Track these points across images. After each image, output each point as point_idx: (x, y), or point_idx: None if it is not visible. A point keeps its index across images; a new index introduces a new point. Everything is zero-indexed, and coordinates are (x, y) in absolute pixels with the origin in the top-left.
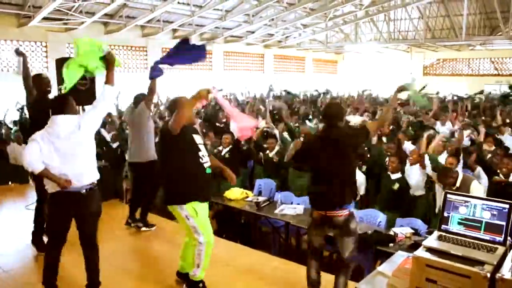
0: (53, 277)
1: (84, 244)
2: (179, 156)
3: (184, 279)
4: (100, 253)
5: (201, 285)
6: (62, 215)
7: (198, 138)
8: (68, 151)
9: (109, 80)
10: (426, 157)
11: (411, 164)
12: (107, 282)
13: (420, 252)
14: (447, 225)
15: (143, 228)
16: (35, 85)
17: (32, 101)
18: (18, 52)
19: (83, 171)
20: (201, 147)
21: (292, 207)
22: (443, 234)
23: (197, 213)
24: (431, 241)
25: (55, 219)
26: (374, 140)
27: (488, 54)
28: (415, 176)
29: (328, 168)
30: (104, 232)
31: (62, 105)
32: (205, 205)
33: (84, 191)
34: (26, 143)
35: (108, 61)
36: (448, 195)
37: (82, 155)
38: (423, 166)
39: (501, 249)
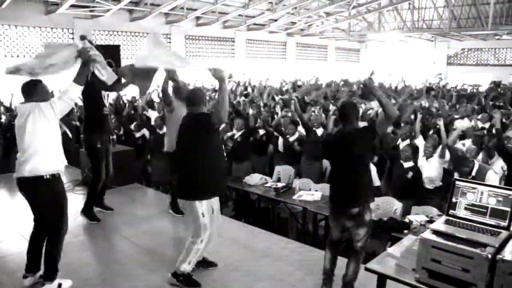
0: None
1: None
2: (215, 149)
3: None
4: (122, 233)
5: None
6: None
7: None
8: (18, 137)
9: (77, 79)
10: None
11: (427, 158)
12: (128, 260)
13: (427, 235)
14: (455, 210)
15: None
16: None
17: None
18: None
19: (27, 159)
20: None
21: (310, 194)
22: (450, 218)
23: (213, 210)
24: (438, 224)
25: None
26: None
27: None
28: (431, 168)
29: (343, 166)
30: (124, 215)
31: (28, 90)
32: (217, 199)
33: (25, 179)
34: None
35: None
36: (457, 182)
37: (31, 145)
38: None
39: (504, 233)
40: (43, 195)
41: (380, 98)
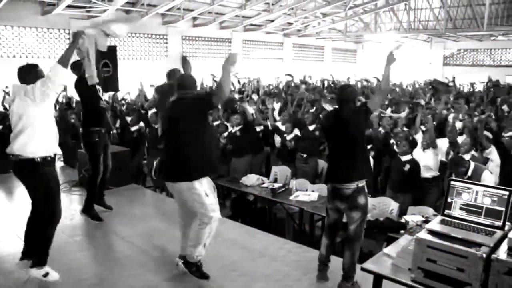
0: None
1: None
2: (209, 128)
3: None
4: (119, 234)
5: (199, 264)
6: None
7: None
8: (11, 115)
9: (61, 60)
10: (442, 142)
11: (423, 149)
12: (125, 261)
13: (422, 234)
14: (450, 210)
15: None
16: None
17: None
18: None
19: (14, 138)
20: None
21: (307, 194)
22: (446, 218)
23: (215, 188)
24: (434, 224)
25: None
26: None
27: (511, 44)
28: (428, 158)
29: (338, 144)
30: (122, 215)
31: (22, 74)
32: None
33: (15, 159)
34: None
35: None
36: (452, 182)
37: (18, 125)
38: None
39: (499, 233)
40: (34, 178)
41: (388, 70)
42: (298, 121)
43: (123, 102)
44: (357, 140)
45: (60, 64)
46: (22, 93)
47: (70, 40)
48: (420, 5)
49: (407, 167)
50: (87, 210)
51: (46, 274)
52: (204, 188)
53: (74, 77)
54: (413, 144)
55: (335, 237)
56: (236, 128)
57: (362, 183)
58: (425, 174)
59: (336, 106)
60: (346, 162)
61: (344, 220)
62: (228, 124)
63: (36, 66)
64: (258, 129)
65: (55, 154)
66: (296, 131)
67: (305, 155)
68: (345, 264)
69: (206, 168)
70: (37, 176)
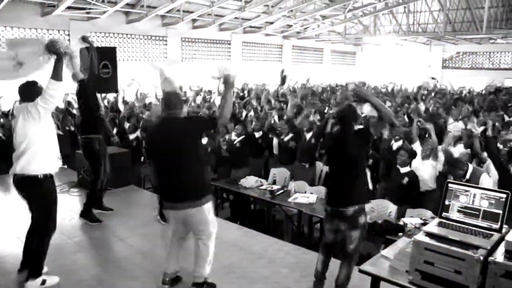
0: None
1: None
2: (202, 149)
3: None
4: (118, 235)
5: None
6: None
7: None
8: (13, 136)
9: (55, 74)
10: (440, 151)
11: (422, 159)
12: (124, 262)
13: (420, 237)
14: (448, 212)
15: None
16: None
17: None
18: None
19: (18, 158)
20: None
21: (306, 196)
22: (443, 221)
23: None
24: (431, 227)
25: None
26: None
27: (510, 47)
28: (427, 170)
29: (338, 166)
30: (121, 217)
31: (23, 92)
32: None
33: (19, 177)
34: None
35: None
36: (450, 185)
37: (21, 145)
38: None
39: (496, 236)
40: (33, 194)
41: (374, 102)
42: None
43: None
44: (357, 163)
45: (54, 79)
46: (25, 112)
47: (52, 53)
48: (419, 8)
49: (405, 179)
50: (86, 214)
51: (43, 282)
52: (209, 207)
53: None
54: (412, 155)
55: (331, 255)
56: (237, 139)
57: (363, 205)
58: (425, 186)
59: (337, 127)
60: (347, 185)
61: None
62: (227, 129)
63: (35, 83)
64: (257, 135)
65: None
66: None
67: (306, 165)
68: (340, 279)
69: (209, 184)
70: (37, 192)
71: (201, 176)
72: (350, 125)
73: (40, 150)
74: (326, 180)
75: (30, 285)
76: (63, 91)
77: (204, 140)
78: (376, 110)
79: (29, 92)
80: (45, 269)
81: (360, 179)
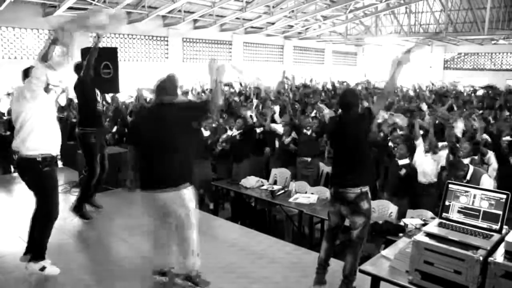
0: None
1: None
2: (196, 133)
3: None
4: (118, 235)
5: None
6: None
7: None
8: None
9: (40, 56)
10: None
11: (426, 152)
12: (123, 262)
13: (420, 237)
14: (448, 213)
15: None
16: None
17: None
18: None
19: (15, 136)
20: None
21: (306, 196)
22: (443, 221)
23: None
24: (431, 227)
25: None
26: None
27: None
28: (427, 163)
29: (342, 149)
30: (120, 217)
31: (25, 75)
32: None
33: (18, 156)
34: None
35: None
36: (450, 185)
37: (17, 123)
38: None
39: (496, 236)
40: (33, 176)
41: (399, 70)
42: (295, 124)
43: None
44: (360, 144)
45: (39, 60)
46: (19, 91)
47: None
48: (420, 8)
49: (403, 171)
50: (78, 209)
51: (43, 268)
52: (191, 195)
53: (74, 78)
54: (411, 149)
55: (335, 241)
56: (236, 132)
57: (365, 188)
58: (422, 178)
59: (339, 111)
60: (350, 167)
61: (346, 223)
62: (227, 127)
63: (31, 67)
64: (258, 130)
65: (56, 155)
66: (294, 134)
67: (308, 159)
68: (346, 268)
69: (191, 174)
70: (36, 174)
71: (186, 164)
72: (351, 108)
73: (35, 129)
74: (332, 161)
75: (30, 267)
76: (44, 73)
77: (206, 133)
78: (390, 78)
79: (25, 73)
80: (48, 261)
81: (362, 161)
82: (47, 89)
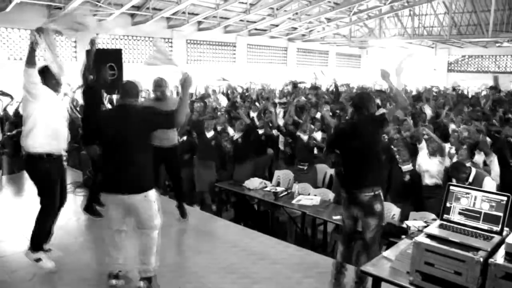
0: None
1: None
2: (151, 141)
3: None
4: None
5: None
6: None
7: None
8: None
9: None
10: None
11: (430, 155)
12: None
13: (421, 238)
14: (449, 214)
15: None
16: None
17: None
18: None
19: (25, 136)
20: None
21: (309, 198)
22: (444, 223)
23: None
24: (432, 228)
25: None
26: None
27: None
28: (432, 164)
29: (354, 151)
30: None
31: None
32: None
33: (26, 155)
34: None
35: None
36: (451, 187)
37: (26, 121)
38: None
39: (497, 238)
40: (33, 173)
41: (392, 87)
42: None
43: None
44: (372, 147)
45: (25, 65)
46: (25, 92)
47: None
48: (424, 11)
49: (407, 177)
50: (89, 209)
51: (38, 260)
52: (154, 196)
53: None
54: (413, 153)
55: (352, 245)
56: (238, 135)
57: (378, 190)
58: (427, 180)
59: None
60: (363, 168)
61: (359, 228)
62: (230, 130)
63: (47, 68)
64: (260, 131)
65: (59, 154)
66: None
67: (306, 166)
68: (359, 271)
69: (153, 176)
70: (35, 171)
71: (149, 165)
72: (363, 110)
73: (36, 127)
74: (342, 166)
75: (27, 254)
76: (32, 77)
77: (209, 134)
78: (393, 96)
79: (41, 75)
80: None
81: (375, 163)
82: (57, 89)
